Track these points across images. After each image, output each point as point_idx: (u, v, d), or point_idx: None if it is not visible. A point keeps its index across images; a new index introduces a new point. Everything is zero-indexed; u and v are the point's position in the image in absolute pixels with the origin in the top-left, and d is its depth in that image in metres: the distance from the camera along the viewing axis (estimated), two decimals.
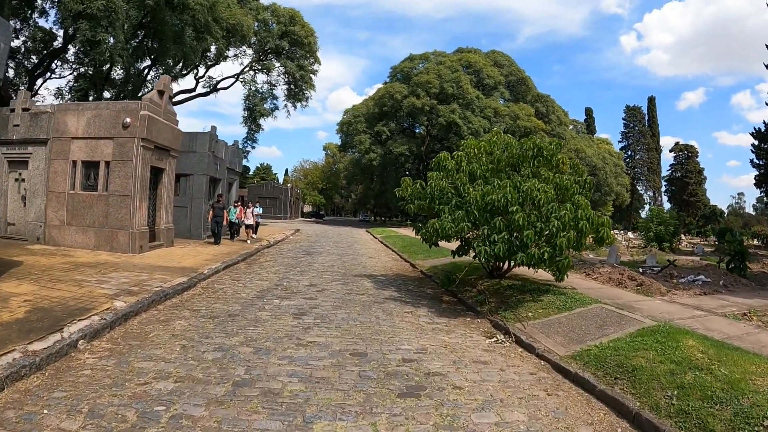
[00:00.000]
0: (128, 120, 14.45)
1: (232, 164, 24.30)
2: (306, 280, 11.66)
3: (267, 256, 16.93)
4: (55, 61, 29.31)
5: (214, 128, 21.51)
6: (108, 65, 21.96)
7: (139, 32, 24.54)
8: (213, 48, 33.53)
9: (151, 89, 16.02)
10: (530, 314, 8.68)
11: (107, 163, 14.65)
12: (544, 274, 11.75)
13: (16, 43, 27.14)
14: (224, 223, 18.93)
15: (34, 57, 28.34)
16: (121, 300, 8.33)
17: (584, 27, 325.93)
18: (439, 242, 10.04)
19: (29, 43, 27.22)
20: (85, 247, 14.48)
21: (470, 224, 8.89)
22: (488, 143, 10.49)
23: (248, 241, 19.72)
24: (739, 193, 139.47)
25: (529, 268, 9.04)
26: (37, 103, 16.95)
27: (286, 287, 10.60)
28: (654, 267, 18.04)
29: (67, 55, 29.42)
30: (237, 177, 26.08)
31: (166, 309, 8.46)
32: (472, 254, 10.34)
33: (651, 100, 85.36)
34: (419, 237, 10.43)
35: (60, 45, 27.13)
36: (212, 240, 18.97)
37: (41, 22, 29.78)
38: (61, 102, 22.30)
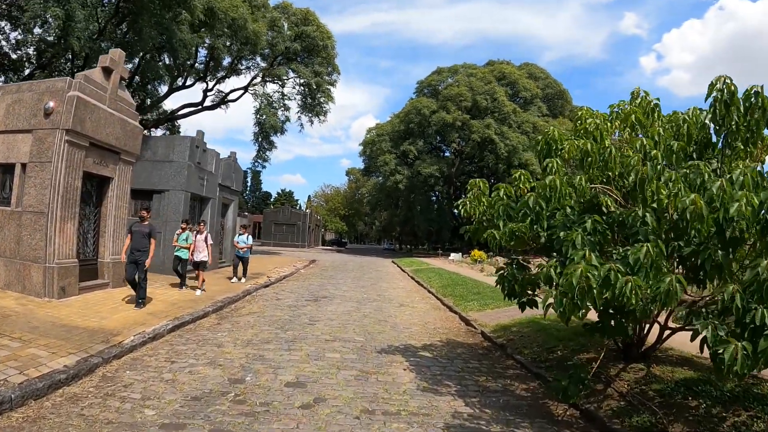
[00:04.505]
0: (51, 104, 9.91)
1: (227, 180, 19.60)
2: (292, 367, 6.33)
3: (255, 304, 11.86)
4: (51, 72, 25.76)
5: (200, 133, 16.92)
6: (78, 57, 17.58)
7: (120, 27, 20.38)
8: (226, 61, 29.72)
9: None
10: None
11: (24, 167, 10.12)
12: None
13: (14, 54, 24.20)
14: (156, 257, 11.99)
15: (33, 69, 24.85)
16: None
17: (604, 50, 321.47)
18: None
19: (30, 52, 23.88)
20: None
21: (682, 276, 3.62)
22: (639, 108, 5.32)
23: (198, 291, 11.99)
24: None
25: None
26: None
27: (245, 393, 5.30)
28: None
29: (67, 66, 25.96)
30: (235, 197, 21.33)
31: None
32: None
33: None
34: (511, 298, 5.23)
35: (54, 53, 23.56)
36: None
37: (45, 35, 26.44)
38: None
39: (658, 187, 3.94)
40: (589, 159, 4.48)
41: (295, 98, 33.71)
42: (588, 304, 3.67)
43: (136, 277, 9.43)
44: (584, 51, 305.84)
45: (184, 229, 12.54)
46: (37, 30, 20.29)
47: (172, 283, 12.53)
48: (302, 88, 33.14)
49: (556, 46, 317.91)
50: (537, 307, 5.76)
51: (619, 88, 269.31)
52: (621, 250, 4.03)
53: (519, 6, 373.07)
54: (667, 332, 6.13)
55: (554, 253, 5.01)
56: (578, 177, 4.48)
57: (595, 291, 3.58)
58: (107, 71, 11.21)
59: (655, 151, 4.23)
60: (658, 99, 5.27)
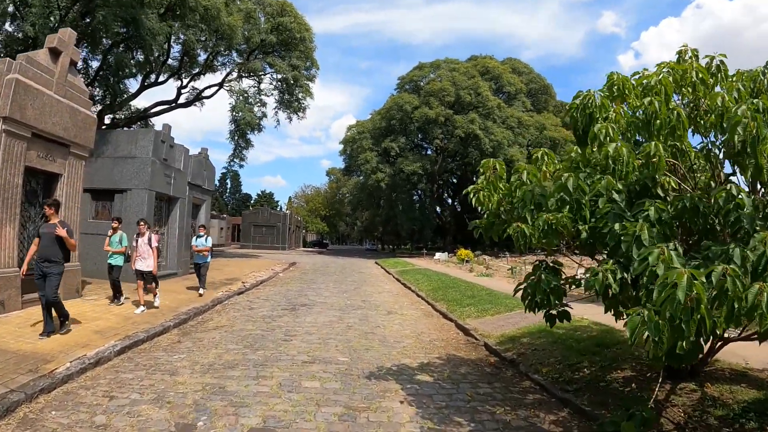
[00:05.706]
0: None
1: (198, 179, 18.13)
2: (259, 404, 4.99)
3: (225, 315, 10.52)
4: None
5: (167, 126, 15.46)
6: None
7: (85, 18, 18.70)
8: (201, 58, 28.05)
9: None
10: None
11: None
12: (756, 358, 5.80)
13: None
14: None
15: None
16: None
17: (583, 48, 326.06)
18: None
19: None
20: None
21: None
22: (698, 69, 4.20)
23: (137, 309, 9.56)
24: None
25: None
26: None
27: None
28: None
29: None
30: (208, 197, 19.86)
31: None
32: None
33: None
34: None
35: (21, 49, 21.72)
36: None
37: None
38: None
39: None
40: (657, 122, 3.32)
41: (272, 94, 32.20)
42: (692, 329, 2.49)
43: (47, 294, 6.97)
44: (563, 49, 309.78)
45: (115, 230, 10.21)
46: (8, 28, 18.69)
47: (129, 294, 11.03)
48: (279, 83, 31.63)
49: (535, 44, 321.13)
50: (569, 320, 4.62)
51: (598, 84, 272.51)
52: (710, 246, 2.90)
53: (498, 5, 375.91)
54: (719, 343, 5.06)
55: (599, 253, 3.88)
56: (652, 143, 3.32)
57: (703, 307, 2.42)
58: (55, 53, 9.78)
59: (743, 107, 3.10)
60: (724, 54, 4.15)
